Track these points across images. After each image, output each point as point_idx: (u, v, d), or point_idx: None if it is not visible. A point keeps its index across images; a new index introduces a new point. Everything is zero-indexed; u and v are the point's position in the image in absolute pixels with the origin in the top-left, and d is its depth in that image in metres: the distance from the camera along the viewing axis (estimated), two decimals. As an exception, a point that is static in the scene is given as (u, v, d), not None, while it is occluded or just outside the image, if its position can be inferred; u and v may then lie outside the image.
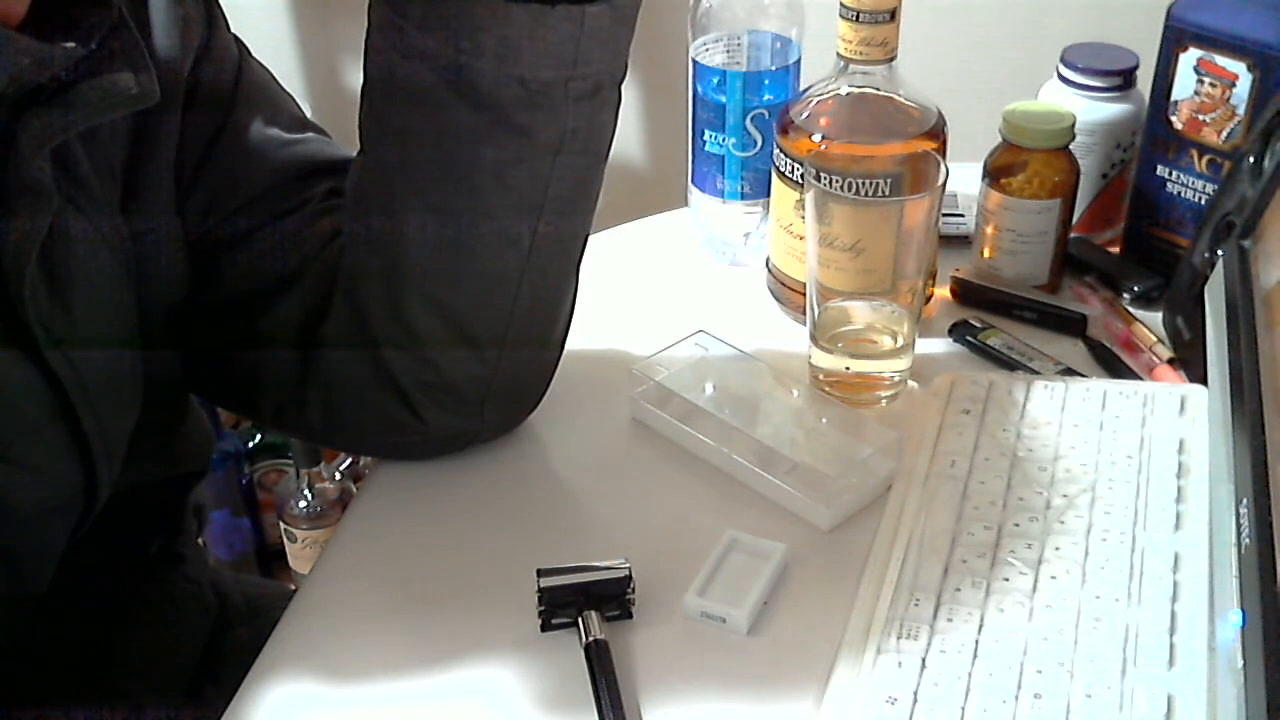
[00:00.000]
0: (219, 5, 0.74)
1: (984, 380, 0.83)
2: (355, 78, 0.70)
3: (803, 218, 0.84)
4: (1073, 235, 0.95)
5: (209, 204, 0.73)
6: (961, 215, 1.01)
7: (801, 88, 0.91)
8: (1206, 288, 0.79)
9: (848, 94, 0.86)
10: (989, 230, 0.93)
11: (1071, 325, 0.90)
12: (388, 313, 0.72)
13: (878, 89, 0.86)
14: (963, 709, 0.61)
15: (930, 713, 0.61)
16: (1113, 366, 0.87)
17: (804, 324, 0.86)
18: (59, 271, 0.64)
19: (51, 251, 0.63)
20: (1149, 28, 0.90)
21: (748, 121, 0.93)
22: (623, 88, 0.69)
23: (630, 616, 0.68)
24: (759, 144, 0.93)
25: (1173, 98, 0.89)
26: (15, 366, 0.63)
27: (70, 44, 0.60)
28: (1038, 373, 0.85)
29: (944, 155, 0.84)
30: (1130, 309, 0.92)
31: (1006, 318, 0.91)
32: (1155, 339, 0.88)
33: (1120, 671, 0.62)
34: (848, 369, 0.83)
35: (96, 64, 0.61)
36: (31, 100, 0.60)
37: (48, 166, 0.62)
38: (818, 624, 0.68)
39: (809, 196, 0.80)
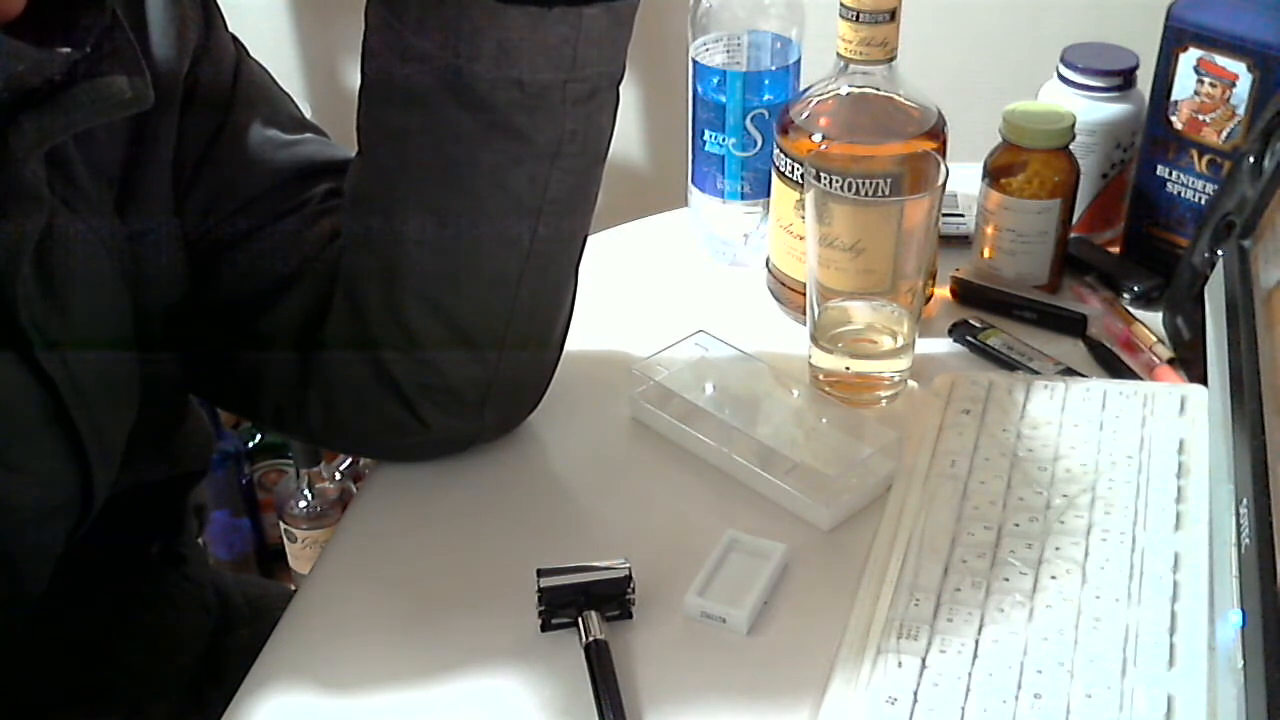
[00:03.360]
0: (217, 5, 0.74)
1: (984, 380, 0.83)
2: (355, 78, 0.70)
3: (803, 218, 0.84)
4: (1073, 235, 0.95)
5: (208, 204, 0.73)
6: (961, 215, 1.01)
7: (801, 88, 0.91)
8: (1206, 288, 0.79)
9: (848, 94, 0.86)
10: (989, 230, 0.93)
11: (1071, 325, 0.90)
12: (387, 314, 0.72)
13: (878, 89, 0.86)
14: (963, 709, 0.61)
15: (930, 713, 0.61)
16: (1113, 366, 0.87)
17: (804, 324, 0.86)
18: (53, 274, 0.64)
19: (46, 254, 0.63)
20: (1149, 28, 0.90)
21: (748, 121, 0.93)
22: (623, 88, 0.69)
23: (630, 616, 0.68)
24: (759, 144, 0.93)
25: (1173, 98, 0.89)
26: (9, 369, 0.63)
27: (66, 49, 0.60)
28: (1038, 373, 0.85)
29: (944, 155, 0.84)
30: (1130, 309, 0.92)
31: (1006, 318, 0.91)
32: (1155, 339, 0.88)
33: (1120, 671, 0.62)
34: (848, 369, 0.83)
35: (91, 66, 0.61)
36: (25, 102, 0.59)
37: (41, 169, 0.62)
38: (818, 624, 0.68)
39: (809, 196, 0.80)
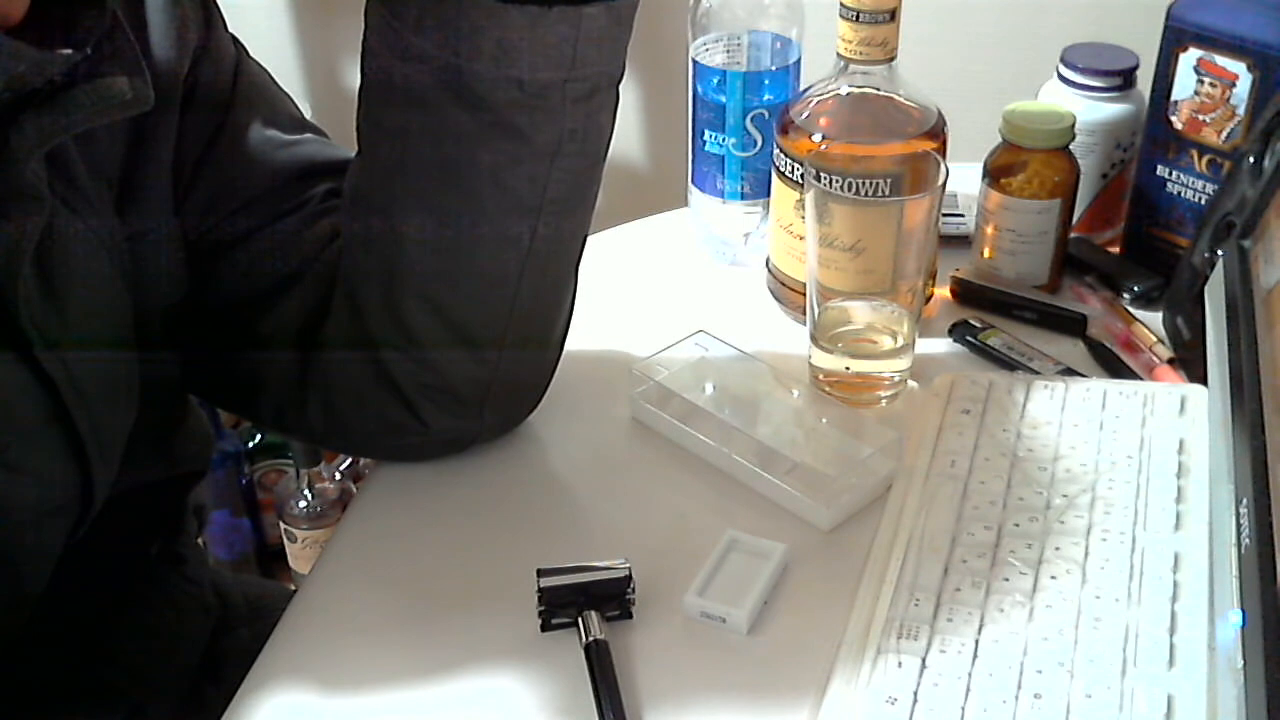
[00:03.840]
0: (217, 5, 0.74)
1: (984, 380, 0.83)
2: (355, 78, 0.70)
3: (803, 218, 0.84)
4: (1073, 235, 0.95)
5: (208, 204, 0.73)
6: (961, 215, 1.01)
7: (801, 88, 0.91)
8: (1206, 288, 0.79)
9: (848, 94, 0.86)
10: (989, 230, 0.93)
11: (1071, 325, 0.90)
12: (386, 314, 0.72)
13: (878, 89, 0.86)
14: (963, 709, 0.61)
15: (930, 713, 0.61)
16: (1113, 366, 0.87)
17: (804, 324, 0.86)
18: (53, 274, 0.64)
19: (46, 254, 0.63)
20: (1149, 28, 0.90)
21: (748, 121, 0.93)
22: (622, 88, 0.69)
23: (630, 616, 0.68)
24: (759, 144, 0.93)
25: (1173, 98, 0.89)
26: (9, 369, 0.63)
27: (66, 50, 0.60)
28: (1038, 373, 0.85)
29: (944, 155, 0.84)
30: (1130, 309, 0.92)
31: (1006, 318, 0.91)
32: (1155, 339, 0.88)
33: (1120, 671, 0.62)
34: (848, 369, 0.83)
35: (92, 67, 0.61)
36: (26, 103, 0.59)
37: (42, 170, 0.62)
38: (818, 624, 0.68)
39: (809, 196, 0.80)
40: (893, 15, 0.83)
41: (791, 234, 0.89)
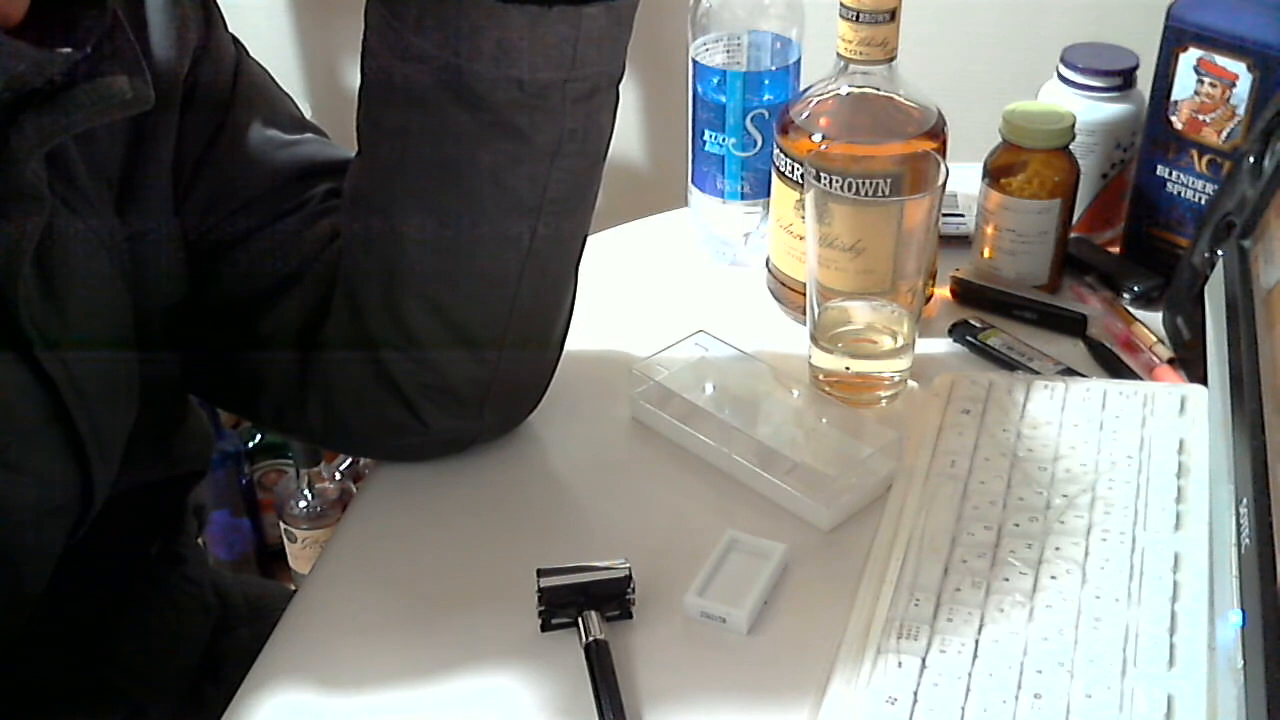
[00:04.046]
0: (217, 5, 0.74)
1: (984, 380, 0.83)
2: (355, 78, 0.70)
3: (803, 218, 0.84)
4: (1073, 235, 0.95)
5: (208, 204, 0.73)
6: (961, 215, 1.01)
7: (801, 88, 0.91)
8: (1206, 288, 0.79)
9: (848, 94, 0.86)
10: (989, 230, 0.93)
11: (1071, 325, 0.90)
12: (386, 314, 0.72)
13: (878, 89, 0.86)
14: (963, 709, 0.61)
15: (930, 713, 0.61)
16: (1113, 366, 0.87)
17: (804, 324, 0.86)
18: (53, 274, 0.64)
19: (46, 254, 0.63)
20: (1149, 28, 0.90)
21: (748, 121, 0.93)
22: (623, 88, 0.69)
23: (630, 616, 0.68)
24: (759, 144, 0.93)
25: (1173, 98, 0.89)
26: (9, 369, 0.63)
27: (67, 49, 0.60)
28: (1038, 373, 0.85)
29: (944, 155, 0.84)
30: (1130, 309, 0.92)
31: (1006, 318, 0.91)
32: (1155, 339, 0.88)
33: (1120, 671, 0.62)
34: (848, 369, 0.83)
35: (92, 66, 0.61)
36: (26, 103, 0.59)
37: (42, 170, 0.62)
38: (818, 624, 0.68)
39: (809, 196, 0.80)
40: (893, 15, 0.83)
41: (791, 234, 0.89)
